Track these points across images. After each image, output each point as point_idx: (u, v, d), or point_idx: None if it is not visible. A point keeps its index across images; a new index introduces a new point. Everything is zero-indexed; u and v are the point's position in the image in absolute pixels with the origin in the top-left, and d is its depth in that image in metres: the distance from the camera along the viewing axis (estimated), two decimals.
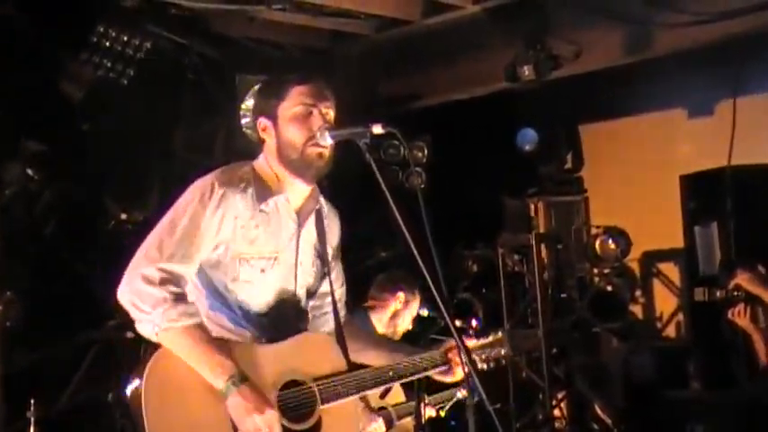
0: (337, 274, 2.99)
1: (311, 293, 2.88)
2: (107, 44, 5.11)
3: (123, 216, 5.54)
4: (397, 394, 4.59)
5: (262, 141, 2.77)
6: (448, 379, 3.03)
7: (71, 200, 5.43)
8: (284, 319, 2.76)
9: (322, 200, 2.88)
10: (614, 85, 6.52)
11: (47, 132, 5.22)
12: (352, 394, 2.71)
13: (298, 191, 2.78)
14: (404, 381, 2.95)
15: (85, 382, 5.19)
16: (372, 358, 2.97)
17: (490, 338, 3.15)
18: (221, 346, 2.55)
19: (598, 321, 7.07)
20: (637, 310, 7.39)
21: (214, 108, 6.00)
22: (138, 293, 2.50)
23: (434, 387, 4.58)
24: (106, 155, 5.42)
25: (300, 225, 2.79)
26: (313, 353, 2.72)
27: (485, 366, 3.08)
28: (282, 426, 2.56)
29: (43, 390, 4.63)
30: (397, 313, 4.81)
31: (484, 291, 7.45)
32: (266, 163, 2.76)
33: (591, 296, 7.13)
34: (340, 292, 3.01)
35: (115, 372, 4.75)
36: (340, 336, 2.86)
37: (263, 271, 2.69)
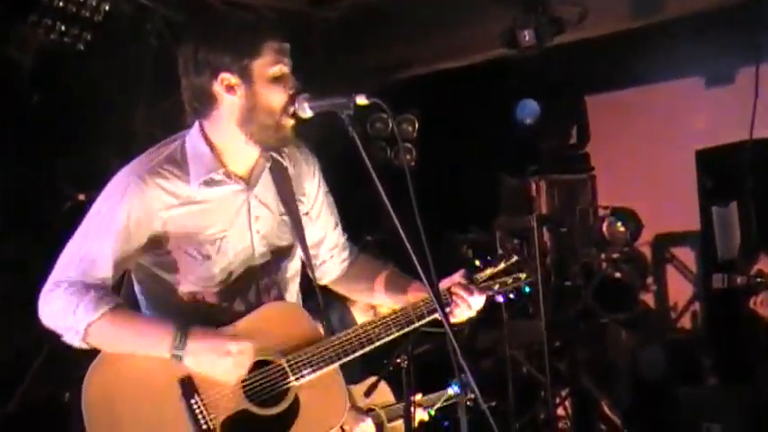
0: (324, 218, 2.91)
1: (285, 256, 2.79)
2: (60, 4, 5.03)
3: (82, 197, 5.50)
4: (384, 393, 4.58)
5: (213, 100, 2.62)
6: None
7: (20, 180, 5.38)
8: (249, 295, 2.71)
9: (274, 154, 2.75)
10: (623, 51, 6.49)
11: None
12: (328, 363, 2.63)
13: (246, 156, 2.68)
14: (396, 335, 2.78)
15: (39, 381, 5.17)
16: (379, 300, 2.94)
17: (502, 265, 2.91)
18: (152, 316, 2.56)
19: (605, 311, 7.08)
20: (648, 298, 7.40)
21: (179, 79, 5.94)
22: (50, 314, 2.53)
23: (427, 387, 4.57)
24: (60, 130, 5.36)
25: (249, 188, 2.70)
26: (280, 325, 2.65)
27: (501, 299, 2.89)
28: (252, 413, 2.53)
29: None
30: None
31: None
32: (199, 135, 2.65)
33: (597, 284, 7.13)
34: (335, 235, 2.93)
35: (72, 370, 4.71)
36: (316, 291, 2.82)
37: (208, 257, 2.63)
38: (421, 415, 4.54)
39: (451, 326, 2.50)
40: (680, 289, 7.32)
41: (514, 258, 2.93)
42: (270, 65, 2.59)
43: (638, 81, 7.25)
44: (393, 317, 2.76)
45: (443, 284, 2.80)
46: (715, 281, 5.17)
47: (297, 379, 2.59)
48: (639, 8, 5.72)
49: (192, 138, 2.66)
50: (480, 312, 2.86)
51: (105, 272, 2.55)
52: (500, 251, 2.98)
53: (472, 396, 3.20)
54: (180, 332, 2.47)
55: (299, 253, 2.83)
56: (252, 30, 2.64)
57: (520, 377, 7.13)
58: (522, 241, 7.28)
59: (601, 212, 7.21)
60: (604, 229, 7.02)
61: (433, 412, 4.66)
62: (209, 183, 2.64)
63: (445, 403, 4.69)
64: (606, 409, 7.02)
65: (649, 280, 7.39)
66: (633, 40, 6.15)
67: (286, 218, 2.79)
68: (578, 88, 7.60)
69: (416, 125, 6.85)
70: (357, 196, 6.42)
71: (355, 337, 2.68)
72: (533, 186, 7.64)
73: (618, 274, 7.13)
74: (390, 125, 6.66)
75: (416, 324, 2.78)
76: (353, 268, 2.98)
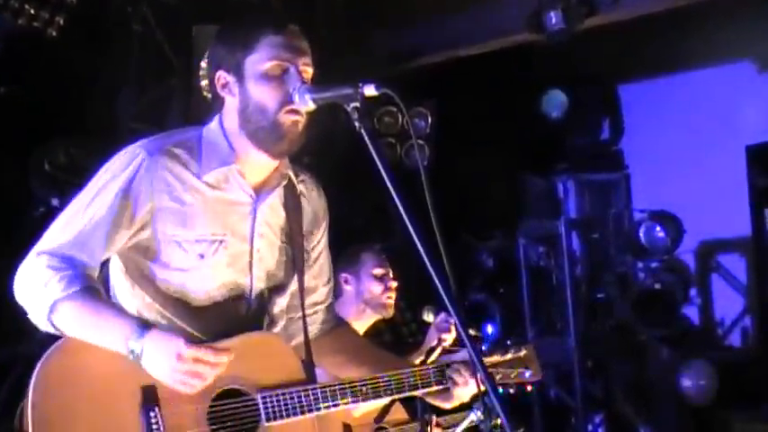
0: (320, 268, 2.96)
1: (278, 289, 2.83)
2: None
3: (55, 202, 5.51)
4: (396, 410, 4.56)
5: (219, 100, 2.71)
6: (445, 404, 2.96)
7: None
8: (234, 317, 2.71)
9: (292, 174, 2.82)
10: (663, 33, 6.47)
11: None
12: (306, 412, 2.66)
13: (257, 165, 2.73)
14: (381, 399, 2.85)
15: (8, 408, 5.16)
16: (355, 373, 2.94)
17: (509, 355, 3.05)
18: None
19: (644, 327, 7.05)
20: (692, 312, 7.37)
21: (167, 67, 5.95)
22: (23, 285, 2.53)
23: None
24: (32, 126, 5.36)
25: (258, 201, 2.74)
26: (262, 357, 2.66)
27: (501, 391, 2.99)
28: None
29: None
30: (357, 291, 4.80)
31: (501, 291, 7.44)
32: (219, 128, 2.72)
33: (634, 296, 7.11)
34: (324, 291, 2.98)
35: None
36: (307, 344, 2.83)
37: (201, 256, 2.65)
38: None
39: (474, 344, 2.48)
40: (728, 302, 7.28)
41: (523, 352, 3.05)
42: (263, 60, 2.62)
43: (680, 68, 7.22)
44: (387, 379, 2.82)
45: (442, 363, 2.94)
46: None
47: (268, 420, 2.61)
48: None
49: (211, 129, 2.73)
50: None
51: (98, 246, 2.57)
52: (508, 342, 3.11)
53: (497, 422, 3.20)
54: (140, 328, 2.46)
55: (291, 290, 2.87)
56: (249, 23, 2.68)
57: (547, 401, 7.10)
58: (549, 248, 7.27)
59: (637, 216, 7.18)
60: (642, 234, 6.99)
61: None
62: (218, 180, 2.68)
63: (463, 426, 4.66)
64: None
65: (693, 292, 7.36)
66: (674, 20, 6.13)
67: (287, 248, 2.83)
68: (611, 77, 7.59)
69: (430, 119, 6.84)
70: (363, 199, 6.44)
71: (340, 389, 2.72)
72: (561, 187, 7.63)
73: (657, 286, 7.10)
74: (401, 119, 6.66)
75: (409, 393, 2.87)
76: (333, 336, 2.99)
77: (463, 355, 2.92)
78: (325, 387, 2.70)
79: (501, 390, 2.97)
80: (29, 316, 2.55)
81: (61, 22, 5.15)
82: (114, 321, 2.49)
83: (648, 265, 7.19)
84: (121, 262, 2.68)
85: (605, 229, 7.36)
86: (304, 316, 2.86)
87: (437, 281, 2.36)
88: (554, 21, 5.80)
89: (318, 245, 2.94)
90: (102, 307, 2.53)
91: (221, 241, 2.68)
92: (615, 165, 7.64)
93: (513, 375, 3.02)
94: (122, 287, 2.70)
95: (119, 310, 2.59)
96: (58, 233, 2.56)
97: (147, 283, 2.66)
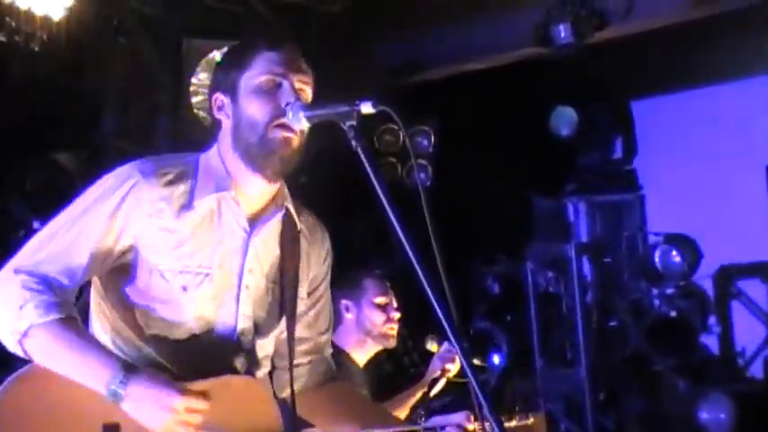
0: (316, 316, 2.92)
1: (262, 331, 2.79)
2: None
3: (36, 225, 5.51)
4: None
5: (216, 124, 2.74)
6: None
7: None
8: (215, 355, 2.69)
9: (293, 209, 2.80)
10: (678, 47, 6.48)
11: None
12: None
13: (254, 191, 2.71)
14: None
15: None
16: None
17: (514, 423, 2.96)
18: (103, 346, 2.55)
19: (659, 357, 7.04)
20: (710, 341, 7.35)
21: (155, 83, 5.96)
22: None
23: None
24: (13, 144, 5.37)
25: (251, 234, 2.72)
26: (238, 403, 2.62)
27: None
28: None
29: None
30: (358, 319, 4.80)
31: (508, 318, 7.42)
32: (217, 153, 2.72)
33: (649, 324, 7.10)
34: (320, 341, 2.94)
35: None
36: (292, 395, 2.77)
37: (184, 289, 2.63)
38: None
39: (476, 375, 2.47)
40: (749, 330, 7.26)
41: (531, 420, 2.96)
42: (256, 75, 2.64)
43: (696, 83, 7.24)
44: None
45: (438, 421, 2.84)
46: None
47: None
48: None
49: (210, 154, 2.74)
50: None
51: (79, 266, 2.57)
52: (517, 408, 3.02)
53: None
54: (124, 370, 2.46)
55: (277, 335, 2.83)
56: (246, 43, 2.72)
57: None
58: (559, 273, 7.26)
59: (652, 240, 7.19)
60: (657, 259, 6.99)
61: None
62: (211, 209, 2.67)
63: None
64: None
65: (712, 320, 7.34)
66: (689, 34, 6.13)
67: (276, 289, 2.79)
68: (624, 93, 7.59)
69: (432, 138, 6.84)
70: (362, 222, 6.44)
71: None
72: (571, 209, 7.63)
73: (673, 313, 7.09)
74: (402, 138, 6.66)
75: None
76: (326, 390, 2.96)
77: (460, 417, 2.82)
78: None
79: None
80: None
81: (44, 37, 5.15)
82: (95, 359, 2.48)
83: (664, 292, 7.17)
84: (102, 287, 2.67)
85: (618, 253, 7.36)
86: (291, 366, 2.81)
87: (437, 308, 2.35)
88: (563, 34, 5.81)
89: (316, 291, 2.90)
90: (83, 341, 2.51)
91: (207, 275, 2.66)
92: (628, 185, 7.64)
93: None
94: (100, 314, 2.69)
95: (100, 346, 2.55)
96: (39, 248, 2.56)
97: (125, 312, 2.65)
